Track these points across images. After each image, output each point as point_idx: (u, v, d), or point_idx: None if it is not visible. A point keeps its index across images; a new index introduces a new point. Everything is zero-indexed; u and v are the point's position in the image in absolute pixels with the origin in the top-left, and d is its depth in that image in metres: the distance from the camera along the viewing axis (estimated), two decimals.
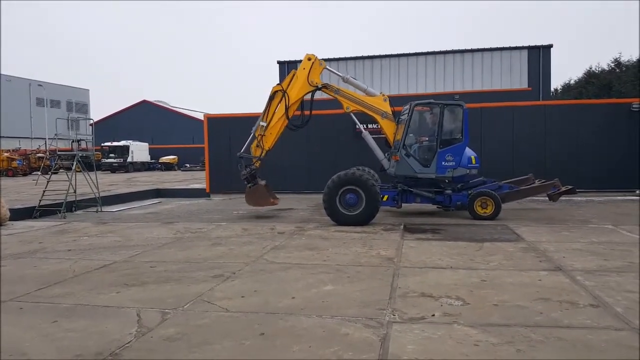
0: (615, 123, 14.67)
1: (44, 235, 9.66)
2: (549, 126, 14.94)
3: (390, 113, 11.43)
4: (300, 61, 12.05)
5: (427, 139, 11.14)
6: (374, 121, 11.88)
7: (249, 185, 11.84)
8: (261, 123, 11.61)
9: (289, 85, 11.65)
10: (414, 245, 7.91)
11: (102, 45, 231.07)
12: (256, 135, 11.67)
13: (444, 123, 10.70)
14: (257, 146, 11.65)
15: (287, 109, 11.47)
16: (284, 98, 11.49)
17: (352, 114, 11.90)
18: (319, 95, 12.11)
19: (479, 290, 5.35)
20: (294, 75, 11.78)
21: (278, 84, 11.85)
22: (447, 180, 10.85)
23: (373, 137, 11.84)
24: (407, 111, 11.02)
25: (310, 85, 11.60)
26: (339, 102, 11.77)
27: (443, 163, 10.60)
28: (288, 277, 6.07)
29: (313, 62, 11.60)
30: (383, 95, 11.72)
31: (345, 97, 11.63)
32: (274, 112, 11.60)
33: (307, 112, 12.01)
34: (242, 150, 11.84)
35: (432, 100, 11.21)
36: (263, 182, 12.10)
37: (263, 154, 11.68)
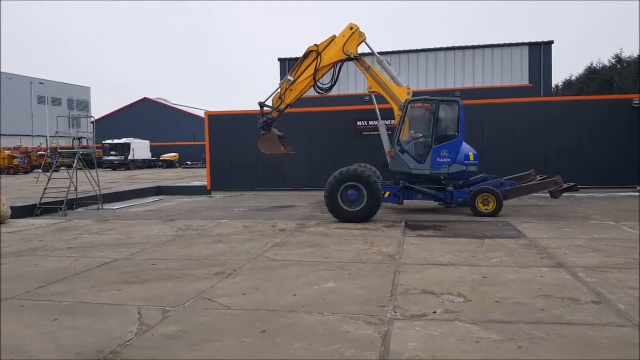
0: (616, 119, 14.63)
1: (44, 233, 9.66)
2: (549, 122, 14.90)
3: None
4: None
5: (421, 135, 11.11)
6: (392, 117, 11.79)
7: (263, 133, 11.86)
8: (289, 77, 11.65)
9: (325, 48, 11.55)
10: (415, 242, 7.89)
11: (103, 43, 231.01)
12: (281, 87, 11.69)
13: (439, 119, 10.68)
14: (279, 98, 11.68)
15: (316, 70, 11.43)
16: (316, 59, 11.43)
17: (372, 96, 11.87)
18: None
19: (480, 287, 5.34)
20: (332, 39, 11.64)
21: (315, 44, 11.67)
22: (442, 177, 10.83)
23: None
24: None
25: (345, 54, 11.52)
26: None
27: (438, 159, 10.57)
28: (289, 274, 6.07)
29: (354, 32, 11.49)
30: (408, 88, 11.60)
31: (372, 76, 11.56)
32: (304, 71, 11.58)
33: (334, 79, 11.96)
34: (264, 100, 11.83)
35: (427, 97, 11.17)
36: (280, 134, 12.17)
37: (282, 107, 11.69)
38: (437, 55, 28.04)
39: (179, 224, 10.38)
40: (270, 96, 11.78)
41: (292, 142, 13.03)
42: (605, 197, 13.65)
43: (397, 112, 11.35)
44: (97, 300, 5.19)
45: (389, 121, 12.26)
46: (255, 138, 12.40)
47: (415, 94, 11.75)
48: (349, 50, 11.47)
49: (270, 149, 11.91)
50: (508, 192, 11.05)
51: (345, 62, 12.16)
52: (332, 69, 11.82)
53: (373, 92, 11.65)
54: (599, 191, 14.40)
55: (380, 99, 11.80)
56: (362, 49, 11.99)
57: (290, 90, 11.58)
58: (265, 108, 11.83)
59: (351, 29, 11.50)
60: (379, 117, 11.80)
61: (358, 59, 11.62)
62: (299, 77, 11.56)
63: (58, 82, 66.70)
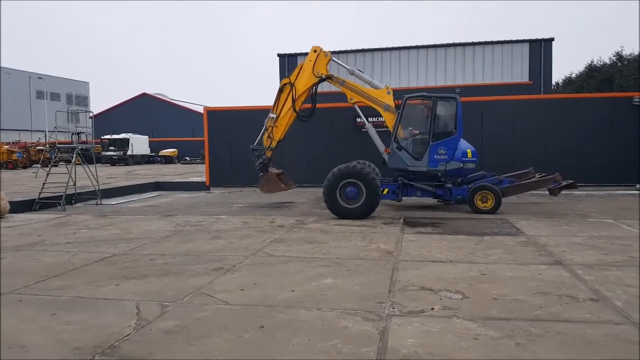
0: (616, 117, 14.62)
1: (43, 228, 9.65)
2: (549, 120, 14.89)
3: (393, 106, 11.44)
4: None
5: (418, 132, 11.13)
6: (378, 114, 11.95)
7: (261, 174, 12.18)
8: (271, 115, 12.05)
9: (296, 77, 11.96)
10: (414, 239, 7.90)
11: (102, 38, 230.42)
12: (267, 126, 12.05)
13: (437, 116, 10.69)
14: (268, 137, 12.06)
15: (294, 101, 11.82)
16: (291, 91, 11.83)
17: (356, 106, 12.16)
18: (321, 88, 12.25)
19: (478, 284, 5.35)
20: (301, 67, 12.05)
21: (287, 77, 12.21)
22: (440, 174, 10.84)
23: (376, 130, 11.96)
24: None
25: (316, 76, 11.85)
26: (340, 96, 11.92)
27: (435, 156, 10.58)
28: (288, 270, 6.07)
29: (318, 54, 11.86)
30: (387, 87, 11.77)
31: (349, 89, 11.81)
32: (283, 105, 11.96)
33: (311, 105, 12.41)
34: (255, 143, 12.23)
35: (424, 93, 11.19)
36: (279, 171, 12.57)
37: (273, 145, 12.06)
38: (438, 51, 27.97)
39: (177, 220, 10.38)
40: (260, 137, 12.21)
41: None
42: (604, 195, 13.65)
43: (383, 114, 11.54)
44: (96, 295, 5.19)
45: (375, 118, 12.64)
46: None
47: (414, 90, 11.83)
48: (319, 71, 11.86)
49: (270, 189, 12.12)
50: (507, 190, 11.04)
51: (332, 64, 12.47)
52: (310, 93, 12.26)
53: (354, 102, 11.95)
54: (598, 189, 14.40)
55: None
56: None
57: (276, 126, 11.98)
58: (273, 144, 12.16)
59: (315, 51, 11.93)
60: (365, 121, 12.15)
61: (331, 77, 11.96)
62: (280, 111, 11.99)
63: (57, 77, 66.48)
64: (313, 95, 12.40)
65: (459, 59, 27.67)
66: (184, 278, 5.77)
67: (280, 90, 12.05)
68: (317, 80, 11.93)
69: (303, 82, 11.91)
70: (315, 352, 3.68)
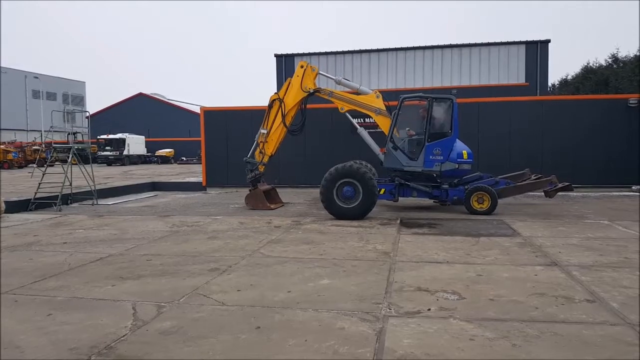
0: (612, 119, 14.68)
1: (39, 228, 9.62)
2: (545, 121, 14.95)
3: (384, 109, 11.57)
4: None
5: (414, 132, 11.18)
6: (369, 115, 12.07)
7: (251, 188, 12.33)
8: (262, 130, 12.21)
9: (285, 93, 12.16)
10: (411, 240, 7.91)
11: (98, 37, 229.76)
12: (258, 142, 12.21)
13: (433, 117, 10.73)
14: (260, 152, 12.21)
15: (283, 116, 12.02)
16: (281, 106, 12.03)
17: (347, 114, 12.35)
18: None
19: (475, 284, 5.35)
20: (289, 83, 12.26)
21: (275, 93, 12.38)
22: (435, 175, 10.87)
23: (370, 131, 12.14)
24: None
25: (304, 91, 12.07)
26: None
27: (431, 157, 10.62)
28: (284, 271, 6.07)
29: (305, 69, 12.11)
30: (375, 92, 11.98)
31: (338, 99, 12.07)
32: (274, 120, 12.15)
33: (303, 117, 12.61)
34: (248, 155, 12.36)
35: (421, 94, 11.24)
36: (268, 187, 12.77)
37: (265, 160, 12.22)
38: (434, 53, 28.05)
39: (174, 220, 10.36)
40: (252, 151, 12.34)
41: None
42: (600, 197, 13.70)
43: (375, 118, 11.69)
44: (92, 295, 5.17)
45: (362, 119, 13.16)
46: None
47: (411, 91, 11.94)
48: (307, 86, 12.06)
49: (255, 205, 12.17)
50: (503, 191, 11.07)
51: (320, 76, 12.73)
52: (299, 107, 12.43)
53: (346, 111, 12.15)
54: (593, 190, 14.46)
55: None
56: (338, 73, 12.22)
57: (267, 142, 12.15)
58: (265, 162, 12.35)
59: (302, 66, 12.16)
60: (357, 126, 12.34)
61: (319, 90, 12.15)
62: (271, 127, 12.16)
63: (53, 77, 66.34)
64: (303, 110, 12.54)
65: (456, 60, 27.76)
66: (181, 278, 5.76)
67: (270, 106, 12.21)
68: (305, 94, 12.11)
69: (292, 97, 12.10)
70: (312, 352, 3.68)
